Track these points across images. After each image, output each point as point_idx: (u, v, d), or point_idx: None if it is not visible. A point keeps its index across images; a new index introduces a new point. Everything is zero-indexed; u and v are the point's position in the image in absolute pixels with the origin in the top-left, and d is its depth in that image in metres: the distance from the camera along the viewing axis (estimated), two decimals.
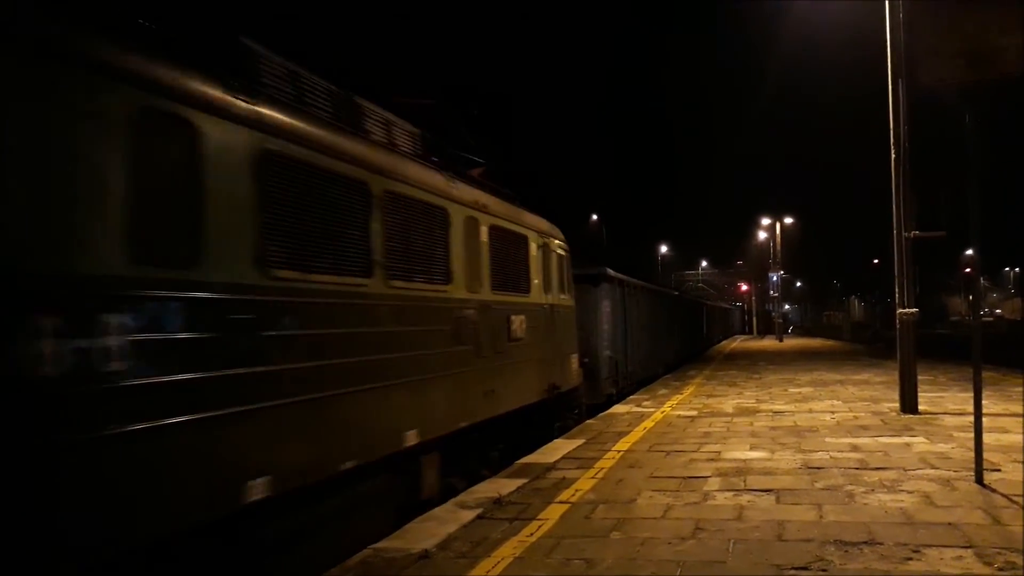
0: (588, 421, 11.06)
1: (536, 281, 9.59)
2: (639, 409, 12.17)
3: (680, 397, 13.81)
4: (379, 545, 5.15)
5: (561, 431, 10.20)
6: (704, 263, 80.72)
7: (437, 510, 6.07)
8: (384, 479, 5.84)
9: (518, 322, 8.62)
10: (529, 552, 4.83)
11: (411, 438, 5.96)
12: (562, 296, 10.74)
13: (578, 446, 8.74)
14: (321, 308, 4.90)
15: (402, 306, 5.96)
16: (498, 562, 4.65)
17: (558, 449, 8.61)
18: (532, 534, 5.22)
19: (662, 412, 11.62)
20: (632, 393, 14.71)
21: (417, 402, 6.13)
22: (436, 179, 6.92)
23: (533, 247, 9.60)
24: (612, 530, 5.24)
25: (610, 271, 15.15)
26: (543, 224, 10.33)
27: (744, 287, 76.51)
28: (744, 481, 6.57)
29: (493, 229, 8.13)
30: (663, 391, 15.12)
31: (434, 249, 6.70)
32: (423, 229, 6.49)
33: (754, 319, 71.22)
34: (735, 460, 7.53)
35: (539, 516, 5.69)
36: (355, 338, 5.29)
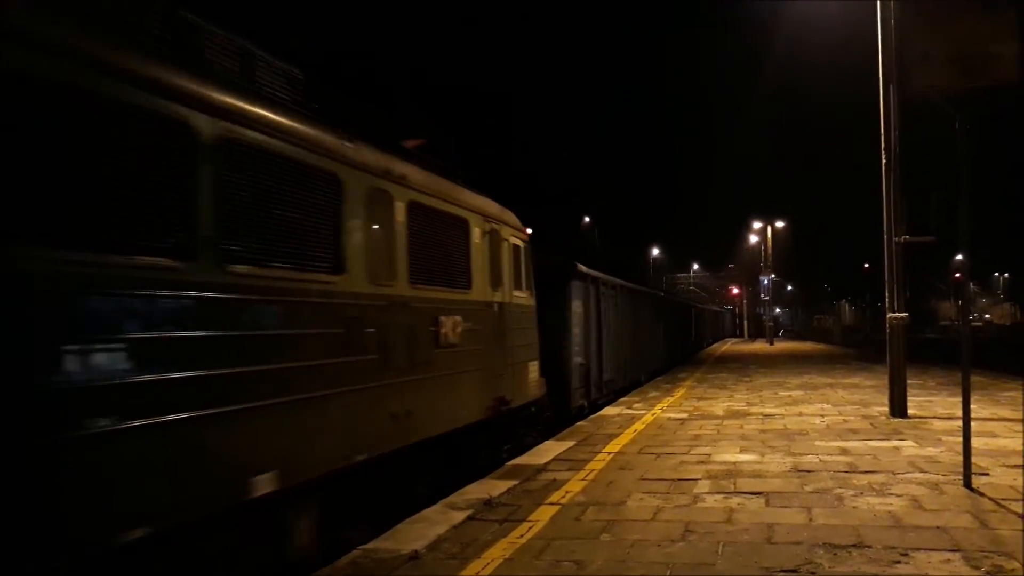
0: (579, 423, 11.04)
1: (480, 275, 8.12)
2: (630, 411, 12.19)
3: (671, 399, 13.84)
4: (368, 546, 5.13)
5: (513, 453, 8.83)
6: (696, 266, 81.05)
7: (427, 511, 6.05)
8: (213, 547, 4.30)
9: (451, 324, 7.17)
10: (519, 553, 4.82)
11: (265, 484, 4.47)
12: (518, 293, 9.37)
13: (569, 448, 8.75)
14: (69, 301, 3.36)
15: (250, 301, 4.48)
16: (488, 563, 4.64)
17: (549, 451, 8.61)
18: (522, 535, 5.22)
19: (652, 414, 11.64)
20: (608, 404, 13.69)
21: (278, 434, 4.65)
22: (319, 135, 5.44)
23: (476, 233, 8.10)
24: (602, 532, 5.24)
25: (581, 267, 13.62)
26: (491, 207, 8.78)
27: (735, 290, 76.86)
28: (734, 484, 6.58)
29: (415, 207, 6.68)
30: (654, 393, 15.14)
31: (313, 226, 5.21)
32: (294, 198, 4.99)
33: (745, 322, 71.50)
34: (725, 463, 7.55)
35: (529, 517, 5.68)
36: (143, 345, 3.69)
